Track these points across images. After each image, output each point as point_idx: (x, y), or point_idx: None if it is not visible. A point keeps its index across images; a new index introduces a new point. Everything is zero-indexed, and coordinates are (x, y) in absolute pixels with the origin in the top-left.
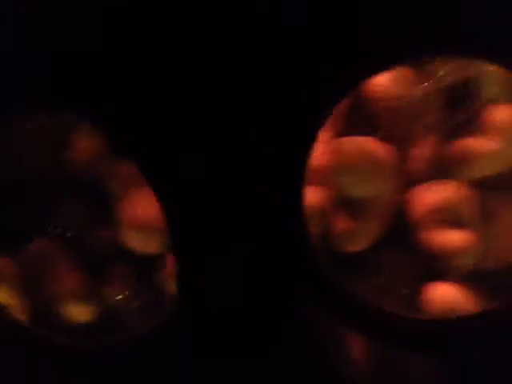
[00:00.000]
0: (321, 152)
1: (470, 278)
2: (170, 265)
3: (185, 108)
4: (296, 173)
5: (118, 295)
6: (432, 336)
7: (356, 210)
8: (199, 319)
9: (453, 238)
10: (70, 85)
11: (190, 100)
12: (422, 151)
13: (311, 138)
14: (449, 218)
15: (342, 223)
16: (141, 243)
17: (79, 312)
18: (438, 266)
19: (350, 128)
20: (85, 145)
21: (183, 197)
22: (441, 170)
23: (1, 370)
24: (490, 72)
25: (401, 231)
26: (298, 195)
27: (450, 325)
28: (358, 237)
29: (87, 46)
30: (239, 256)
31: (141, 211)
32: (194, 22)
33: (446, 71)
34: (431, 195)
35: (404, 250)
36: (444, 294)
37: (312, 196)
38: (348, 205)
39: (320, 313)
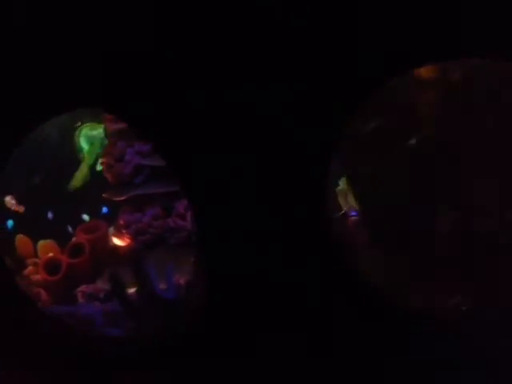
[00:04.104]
0: None
1: None
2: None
3: (218, 120)
4: (321, 171)
5: None
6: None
7: None
8: (227, 316)
9: None
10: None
11: (224, 114)
12: None
13: (333, 139)
14: None
15: None
16: None
17: None
18: None
19: None
20: None
21: (213, 197)
22: None
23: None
24: None
25: None
26: (322, 192)
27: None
28: None
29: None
30: (265, 252)
31: None
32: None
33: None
34: None
35: None
36: None
37: None
38: None
39: (343, 307)
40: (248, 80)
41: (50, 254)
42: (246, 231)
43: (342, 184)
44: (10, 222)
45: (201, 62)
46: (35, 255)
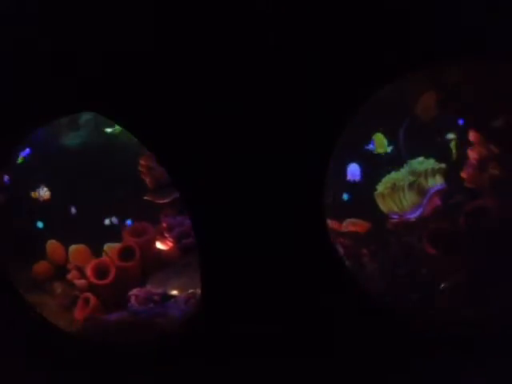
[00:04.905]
0: None
1: None
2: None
3: (217, 124)
4: (318, 176)
5: None
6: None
7: None
8: (222, 319)
9: None
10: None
11: (224, 121)
12: None
13: (331, 144)
14: None
15: None
16: None
17: None
18: None
19: None
20: None
21: (212, 204)
22: None
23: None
24: None
25: None
26: (319, 197)
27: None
28: None
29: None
30: (260, 254)
31: None
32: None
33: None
34: None
35: None
36: None
37: None
38: None
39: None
40: (249, 82)
41: (101, 258)
42: (245, 236)
43: (380, 188)
44: (39, 223)
45: (201, 65)
46: (66, 260)
